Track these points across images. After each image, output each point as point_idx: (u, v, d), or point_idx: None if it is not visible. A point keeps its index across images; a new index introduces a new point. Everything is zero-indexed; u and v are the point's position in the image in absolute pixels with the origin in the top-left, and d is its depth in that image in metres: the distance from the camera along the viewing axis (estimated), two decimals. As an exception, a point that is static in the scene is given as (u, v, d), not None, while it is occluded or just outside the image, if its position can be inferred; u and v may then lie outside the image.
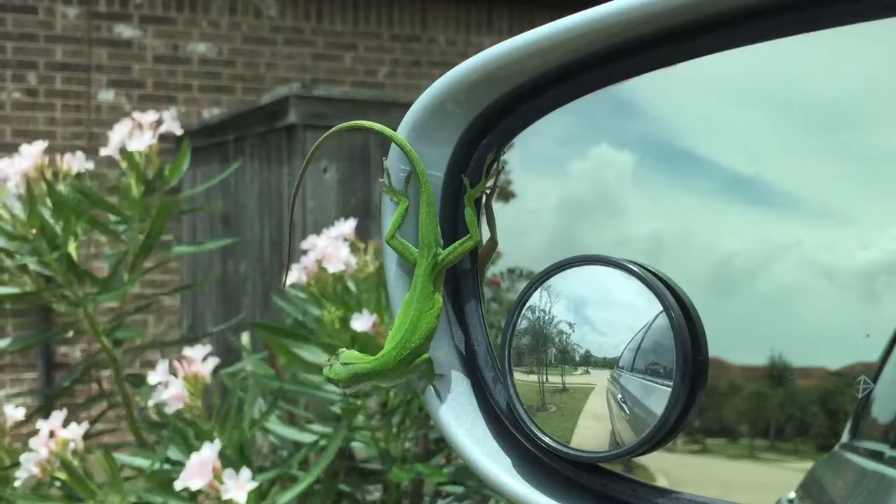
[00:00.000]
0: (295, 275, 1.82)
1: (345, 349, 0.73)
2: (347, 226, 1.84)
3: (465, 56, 0.68)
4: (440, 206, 0.72)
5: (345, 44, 6.02)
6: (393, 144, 0.71)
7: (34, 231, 1.82)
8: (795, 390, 0.58)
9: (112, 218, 1.95)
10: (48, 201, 1.83)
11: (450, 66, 0.69)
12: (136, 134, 1.88)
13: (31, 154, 1.85)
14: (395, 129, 0.71)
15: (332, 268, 1.75)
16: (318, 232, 1.85)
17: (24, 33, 5.37)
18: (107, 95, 5.51)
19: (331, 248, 1.77)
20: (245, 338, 2.27)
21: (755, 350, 0.59)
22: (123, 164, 1.91)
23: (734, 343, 0.61)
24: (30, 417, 1.87)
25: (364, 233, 1.88)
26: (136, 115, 1.91)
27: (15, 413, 1.85)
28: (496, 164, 0.71)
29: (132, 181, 1.91)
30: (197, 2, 5.71)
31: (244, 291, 4.40)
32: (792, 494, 0.58)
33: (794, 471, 0.59)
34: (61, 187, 1.87)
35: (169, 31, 5.65)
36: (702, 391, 0.59)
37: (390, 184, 0.71)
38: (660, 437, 0.59)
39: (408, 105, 0.70)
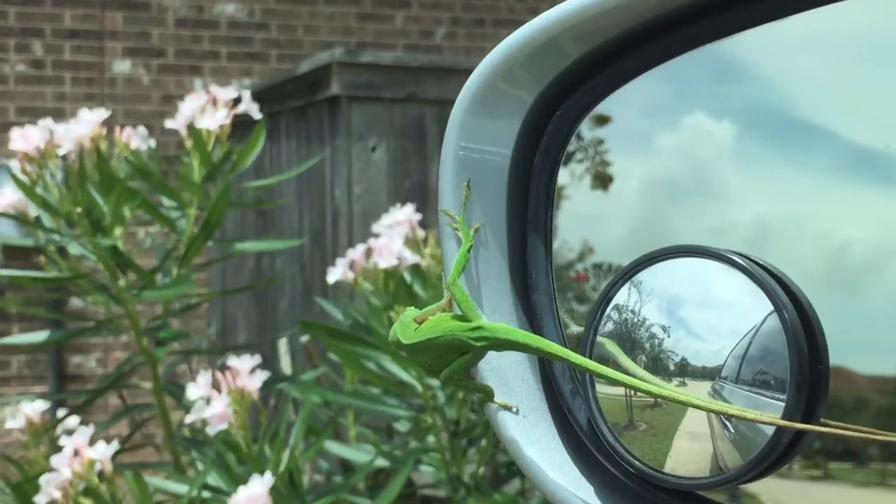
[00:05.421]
0: (340, 271, 1.83)
1: (407, 308, 0.72)
2: (403, 213, 1.84)
3: (536, 12, 0.68)
4: (507, 189, 0.71)
5: (396, 1, 6.04)
6: (448, 128, 0.70)
7: (79, 210, 1.83)
8: (935, 405, 0.57)
9: (166, 203, 1.96)
10: (97, 178, 1.84)
11: (518, 24, 0.69)
12: (208, 110, 1.91)
13: (89, 121, 1.86)
14: (453, 99, 0.71)
15: (384, 262, 1.75)
16: (366, 222, 1.85)
17: (28, -4, 5.47)
18: (122, 66, 5.59)
19: (382, 240, 1.77)
20: (283, 346, 2.28)
21: (884, 357, 0.58)
22: (188, 143, 1.93)
23: (859, 349, 0.59)
24: (51, 428, 1.90)
25: (420, 222, 1.88)
26: (213, 88, 1.94)
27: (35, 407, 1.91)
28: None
29: (195, 163, 1.93)
30: (224, -44, 5.76)
31: (281, 291, 4.44)
32: (931, 528, 0.57)
33: (933, 500, 0.58)
34: (115, 164, 1.88)
35: (193, -10, 5.71)
36: (821, 406, 0.58)
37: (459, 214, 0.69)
38: (771, 460, 0.58)
39: (469, 71, 0.70)
